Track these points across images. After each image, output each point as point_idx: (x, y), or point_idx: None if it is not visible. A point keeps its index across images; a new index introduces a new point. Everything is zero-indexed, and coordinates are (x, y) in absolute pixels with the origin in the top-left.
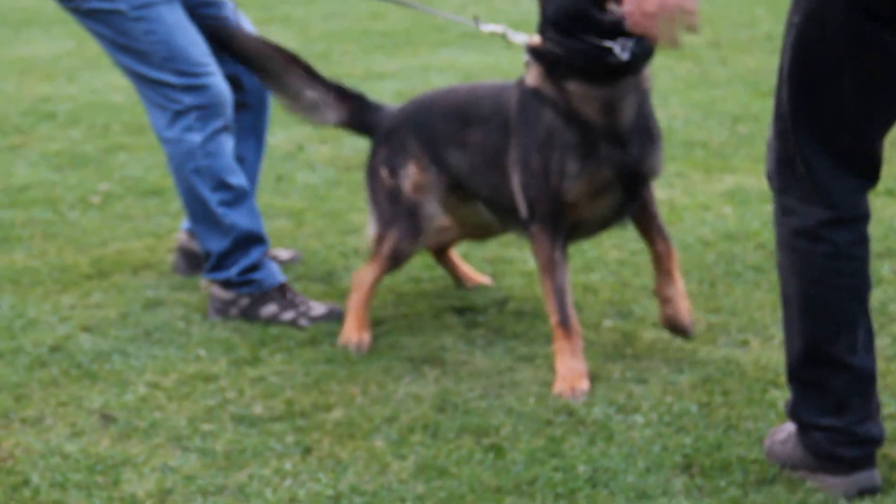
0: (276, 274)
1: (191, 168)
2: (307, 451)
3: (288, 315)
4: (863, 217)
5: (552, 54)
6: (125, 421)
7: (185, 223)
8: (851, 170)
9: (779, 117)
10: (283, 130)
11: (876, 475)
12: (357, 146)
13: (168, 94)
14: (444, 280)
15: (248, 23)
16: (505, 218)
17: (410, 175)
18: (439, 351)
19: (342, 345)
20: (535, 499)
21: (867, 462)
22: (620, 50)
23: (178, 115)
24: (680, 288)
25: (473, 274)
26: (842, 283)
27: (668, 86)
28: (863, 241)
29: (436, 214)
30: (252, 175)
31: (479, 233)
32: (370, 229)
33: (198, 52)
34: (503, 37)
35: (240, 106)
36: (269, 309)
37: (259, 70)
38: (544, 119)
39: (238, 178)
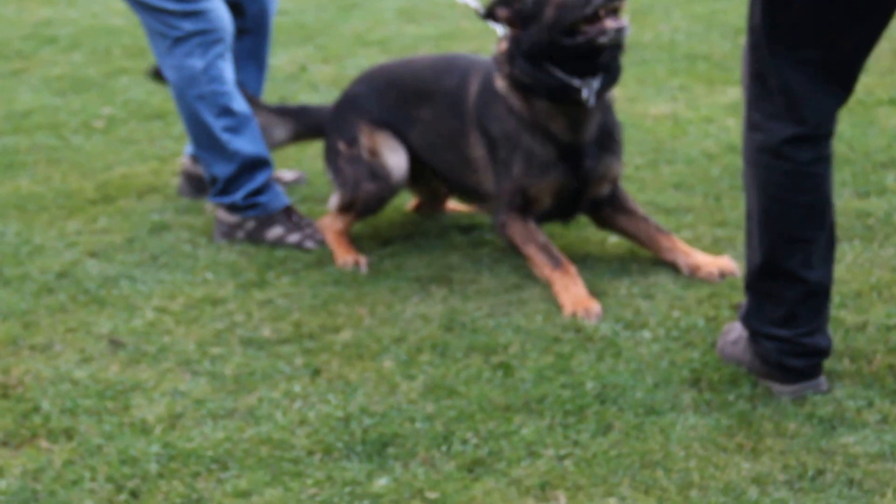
0: (282, 197)
1: (194, 95)
2: (316, 372)
3: (294, 237)
4: (827, 135)
5: (522, 81)
6: (134, 346)
7: (188, 147)
8: (825, 83)
9: (751, 30)
10: (285, 51)
11: (822, 383)
12: (360, 65)
13: (167, 21)
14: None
15: None
16: (460, 194)
17: (365, 141)
18: (446, 270)
19: (340, 267)
20: (544, 416)
21: (814, 372)
22: (587, 93)
23: (178, 41)
24: (696, 253)
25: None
26: (801, 199)
27: None
28: (824, 159)
29: (399, 166)
30: None
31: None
32: (336, 199)
33: None
34: (475, 12)
35: (240, 31)
36: (275, 231)
37: None
38: (509, 125)
39: (240, 104)
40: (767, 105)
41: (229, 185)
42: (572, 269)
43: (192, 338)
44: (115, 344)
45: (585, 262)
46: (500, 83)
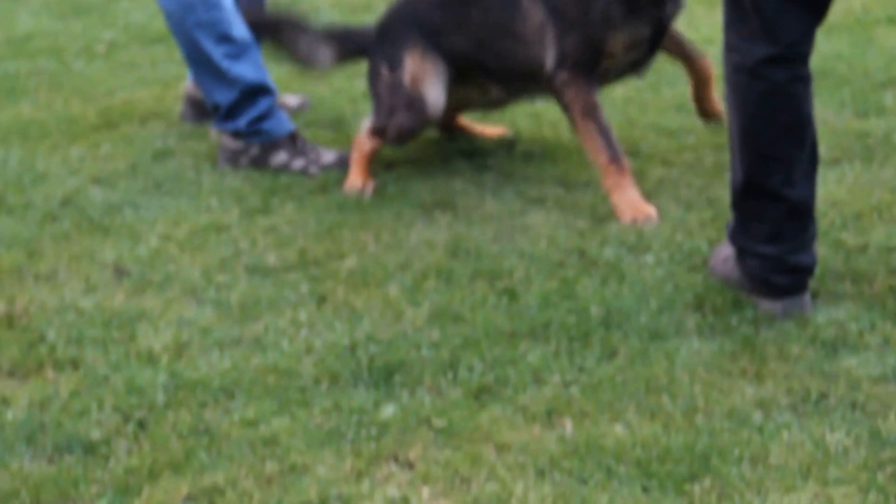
0: (286, 122)
1: (192, 22)
2: (322, 300)
3: (298, 163)
4: (803, 55)
5: None
6: (139, 274)
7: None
8: (796, 4)
9: None
10: None
11: (806, 300)
12: None
13: None
14: None
15: None
16: (514, 86)
17: (409, 68)
18: (450, 196)
19: (347, 190)
20: (549, 342)
21: (799, 288)
22: None
23: None
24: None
25: (490, 129)
26: (778, 119)
27: None
28: (801, 79)
29: (437, 101)
30: None
31: (480, 107)
32: (369, 122)
33: None
34: None
35: None
36: (280, 157)
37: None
38: None
39: (240, 30)
40: (743, 26)
41: (232, 111)
42: (627, 168)
43: (196, 266)
44: (120, 272)
45: (589, 183)
46: None
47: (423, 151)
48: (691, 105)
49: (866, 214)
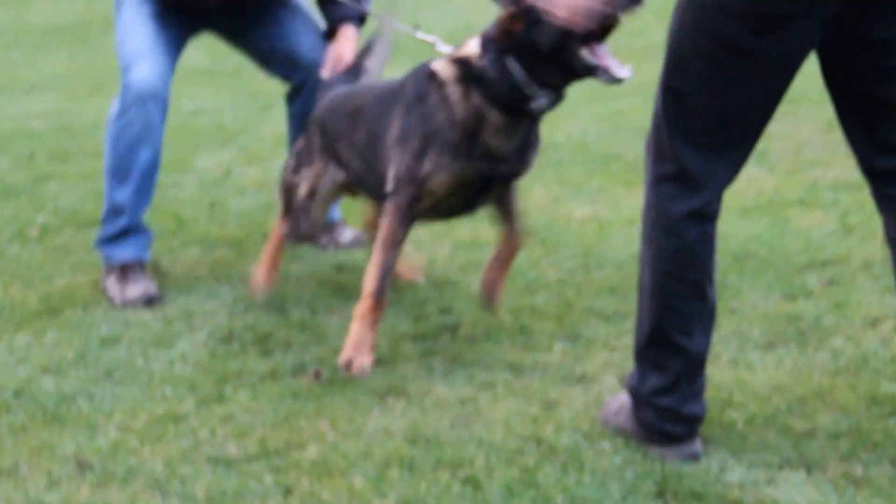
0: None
1: (106, 135)
2: (288, 491)
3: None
4: (714, 214)
5: (480, 72)
6: (101, 467)
7: None
8: (719, 163)
9: (654, 115)
10: (209, 153)
11: (697, 445)
12: None
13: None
14: (398, 306)
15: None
16: (374, 194)
17: (309, 178)
18: (401, 381)
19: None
20: None
21: (691, 436)
22: (536, 103)
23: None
24: (505, 277)
25: (408, 270)
26: (687, 275)
27: (575, 96)
28: (710, 237)
29: (320, 216)
30: None
31: None
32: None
33: (131, 48)
34: (432, 45)
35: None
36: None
37: None
38: (438, 113)
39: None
40: (666, 186)
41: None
42: (382, 309)
43: (158, 457)
44: (82, 465)
45: (535, 368)
46: (446, 69)
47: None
48: (625, 286)
49: (809, 399)
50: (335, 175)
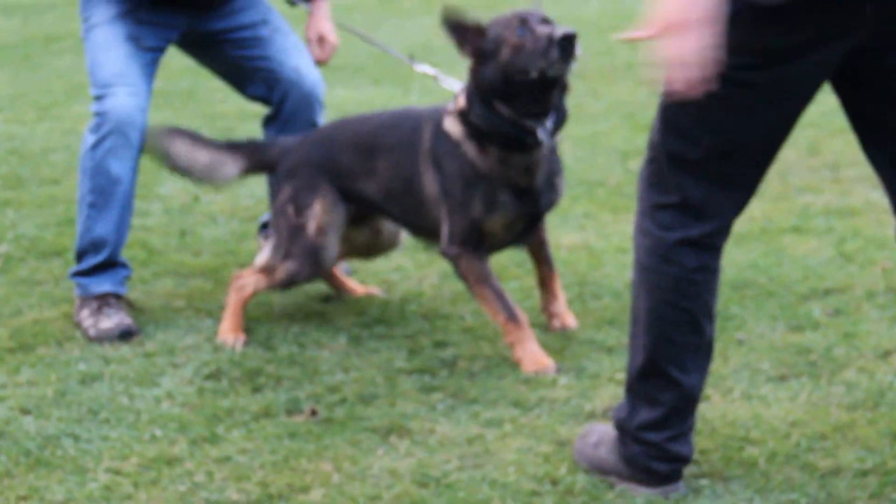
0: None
1: (81, 165)
2: None
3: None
4: (716, 247)
5: (478, 126)
6: None
7: None
8: (722, 195)
9: (651, 146)
10: (172, 180)
11: (681, 487)
12: (254, 193)
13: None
14: (389, 340)
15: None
16: (421, 236)
17: (316, 215)
18: (402, 419)
19: (220, 342)
20: None
21: (675, 476)
22: (541, 133)
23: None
24: (563, 303)
25: (359, 286)
26: (684, 305)
27: None
28: (708, 269)
29: (334, 252)
30: None
31: (368, 252)
32: (265, 254)
33: (106, 73)
34: (434, 79)
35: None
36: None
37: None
38: (465, 169)
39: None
40: (661, 214)
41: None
42: (526, 324)
43: (155, 503)
44: None
45: (541, 403)
46: (456, 130)
47: (364, 371)
48: (624, 318)
49: (829, 435)
50: (343, 209)
